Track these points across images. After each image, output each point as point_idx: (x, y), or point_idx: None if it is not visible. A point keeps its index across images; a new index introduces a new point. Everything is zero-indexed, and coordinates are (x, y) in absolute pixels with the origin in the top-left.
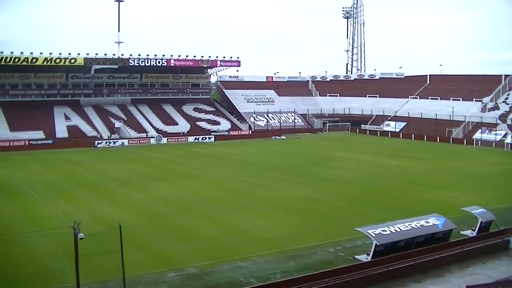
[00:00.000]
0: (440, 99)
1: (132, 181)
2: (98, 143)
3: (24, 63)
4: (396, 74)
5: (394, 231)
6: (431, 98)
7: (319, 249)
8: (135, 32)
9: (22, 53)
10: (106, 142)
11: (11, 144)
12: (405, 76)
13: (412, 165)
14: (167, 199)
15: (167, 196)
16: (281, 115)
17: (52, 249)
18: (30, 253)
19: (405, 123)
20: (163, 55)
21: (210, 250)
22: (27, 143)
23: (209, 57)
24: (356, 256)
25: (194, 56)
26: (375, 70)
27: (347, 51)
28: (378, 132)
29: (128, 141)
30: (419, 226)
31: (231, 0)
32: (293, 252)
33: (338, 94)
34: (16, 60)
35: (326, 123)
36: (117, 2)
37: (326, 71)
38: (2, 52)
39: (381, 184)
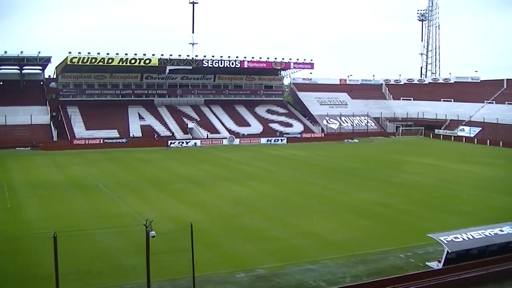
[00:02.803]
0: None
1: (203, 181)
2: (171, 143)
3: (101, 63)
4: (472, 78)
5: (467, 238)
6: (507, 103)
7: (389, 254)
8: (209, 34)
9: (98, 53)
10: (179, 142)
11: (87, 142)
12: (480, 80)
13: (486, 171)
14: (237, 200)
15: (238, 197)
16: (354, 118)
17: (124, 246)
18: (103, 249)
19: (480, 128)
20: (237, 57)
21: (279, 252)
22: (102, 142)
23: (283, 59)
24: (427, 263)
25: (268, 58)
26: (449, 74)
27: (421, 54)
28: (452, 137)
29: (201, 141)
30: (493, 234)
31: (304, 4)
32: (363, 257)
33: (412, 98)
34: (93, 60)
35: (399, 127)
36: (192, 4)
37: (400, 75)
38: (79, 53)
39: (453, 189)
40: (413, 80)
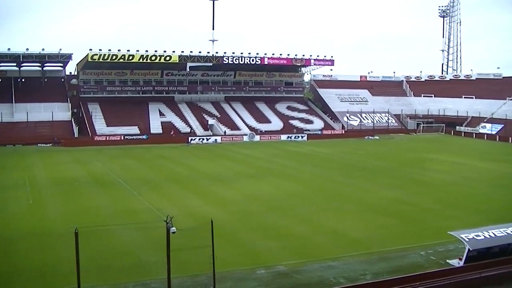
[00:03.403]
0: None
1: (224, 178)
2: (191, 140)
3: (121, 60)
4: (494, 75)
5: (488, 236)
6: None
7: (410, 252)
8: (229, 30)
9: (119, 50)
10: (199, 139)
11: (108, 139)
12: (502, 77)
13: (508, 169)
14: (258, 196)
15: (259, 194)
16: (375, 115)
17: (145, 242)
18: (124, 245)
19: (502, 125)
20: (257, 53)
21: (300, 249)
22: (122, 138)
23: (303, 55)
24: (448, 261)
25: (288, 55)
26: (471, 70)
27: (442, 50)
28: (474, 134)
29: (221, 138)
30: None
31: (325, 1)
32: (384, 254)
33: (432, 95)
34: (114, 57)
35: (420, 124)
36: (212, 1)
37: (420, 71)
38: (100, 50)
39: (475, 187)
40: (434, 77)
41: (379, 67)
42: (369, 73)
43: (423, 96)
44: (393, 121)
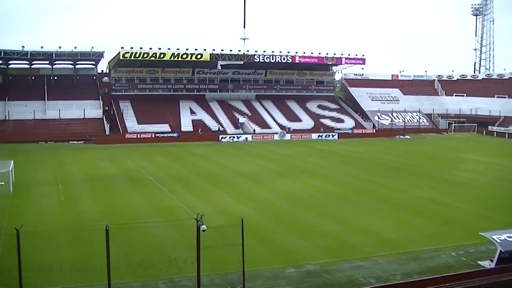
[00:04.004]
0: None
1: (255, 176)
2: (222, 138)
3: (153, 58)
4: None
5: None
6: None
7: (441, 252)
8: (261, 29)
9: (150, 48)
10: (230, 137)
11: (138, 136)
12: None
13: None
14: (290, 195)
15: (290, 192)
16: (406, 114)
17: (176, 239)
18: (155, 242)
19: None
20: (288, 52)
21: (330, 248)
22: (153, 136)
23: (334, 54)
24: (479, 262)
25: (319, 53)
26: (504, 69)
27: (475, 49)
28: (506, 134)
29: (252, 136)
30: None
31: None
32: (414, 254)
33: (465, 94)
34: (145, 55)
35: (452, 123)
36: None
37: (452, 70)
38: (132, 48)
39: (508, 188)
40: (467, 76)
41: (410, 66)
42: (400, 72)
43: (455, 95)
44: (425, 120)
